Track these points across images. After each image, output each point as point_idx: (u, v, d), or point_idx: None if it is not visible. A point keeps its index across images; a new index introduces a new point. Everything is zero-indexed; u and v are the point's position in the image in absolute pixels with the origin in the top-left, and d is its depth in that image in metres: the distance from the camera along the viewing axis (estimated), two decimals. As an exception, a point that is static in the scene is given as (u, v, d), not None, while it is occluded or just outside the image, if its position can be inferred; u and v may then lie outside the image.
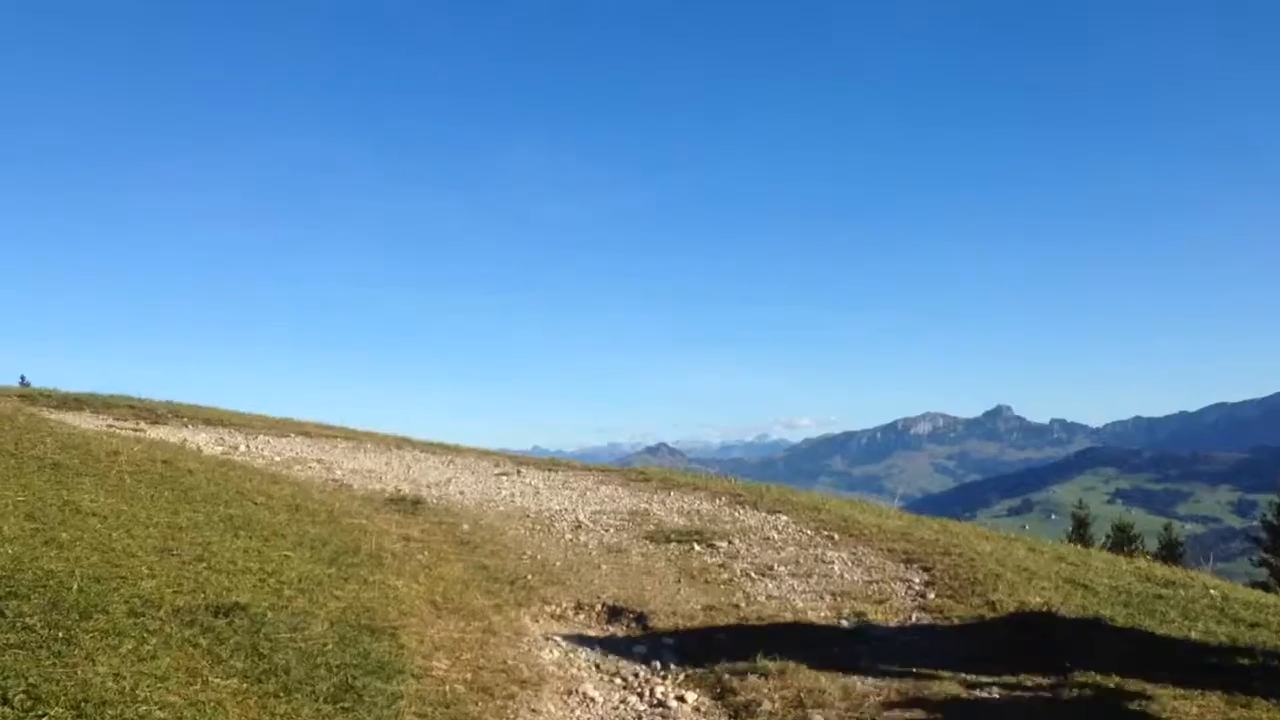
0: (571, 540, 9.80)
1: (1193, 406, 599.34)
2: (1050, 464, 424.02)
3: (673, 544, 9.77)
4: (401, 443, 16.82)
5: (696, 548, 9.60)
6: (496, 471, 14.09)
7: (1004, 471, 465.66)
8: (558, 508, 11.52)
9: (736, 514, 11.32)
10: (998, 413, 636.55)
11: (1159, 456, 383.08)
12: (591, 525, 10.52)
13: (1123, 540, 39.67)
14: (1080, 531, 38.38)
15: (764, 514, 11.31)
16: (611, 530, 10.34)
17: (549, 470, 14.33)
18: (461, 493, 12.29)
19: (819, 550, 9.50)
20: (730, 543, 9.81)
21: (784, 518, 11.04)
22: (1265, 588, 32.64)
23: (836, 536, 10.02)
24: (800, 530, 10.36)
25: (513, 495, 12.30)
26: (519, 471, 14.11)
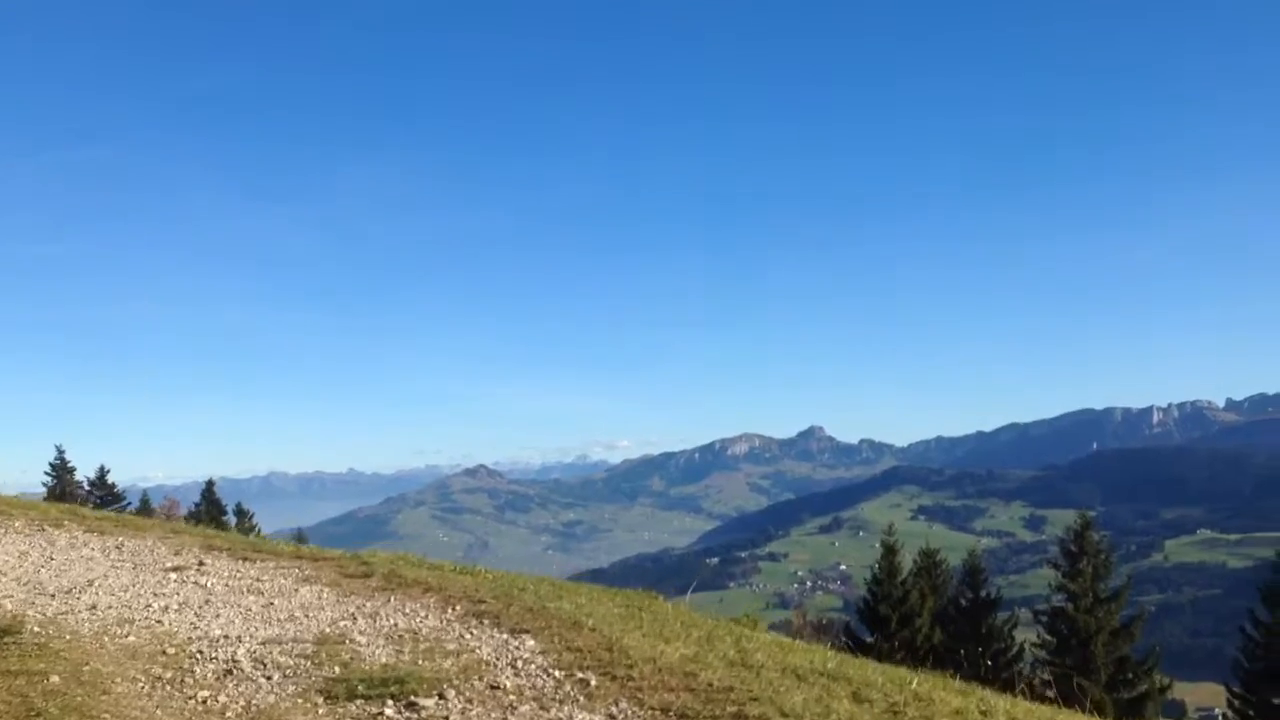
0: (206, 703, 6.64)
1: (988, 426, 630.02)
2: (859, 483, 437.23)
3: (357, 703, 6.72)
4: (67, 518, 13.11)
5: (389, 710, 6.59)
6: (170, 565, 10.66)
7: (816, 490, 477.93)
8: (219, 633, 8.27)
9: (468, 637, 8.32)
10: (811, 433, 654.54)
11: (958, 475, 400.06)
12: (251, 670, 7.34)
13: (929, 565, 38.79)
14: (889, 559, 37.31)
15: (505, 635, 8.35)
16: (277, 678, 7.19)
17: (242, 561, 10.98)
18: (94, 607, 8.88)
19: (565, 711, 6.63)
20: (442, 698, 6.80)
21: (530, 642, 8.11)
22: (1065, 615, 32.05)
23: (594, 681, 7.15)
24: (548, 669, 7.45)
25: (167, 609, 8.97)
26: (200, 565, 10.72)
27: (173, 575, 10.18)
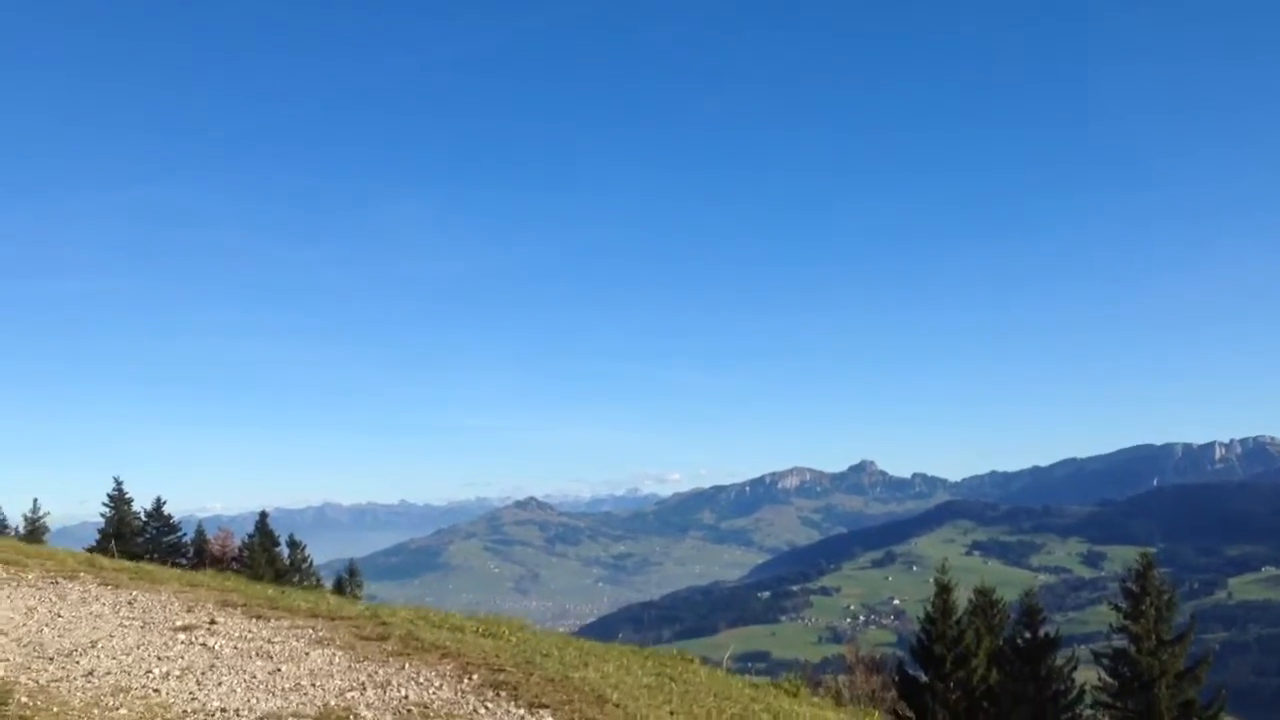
0: (190, 791, 6.12)
1: (1044, 461, 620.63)
2: (912, 517, 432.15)
3: (352, 796, 6.18)
4: (84, 569, 12.67)
5: (385, 806, 6.03)
6: (180, 624, 10.17)
7: (868, 525, 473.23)
8: (216, 705, 7.73)
9: (481, 713, 7.70)
10: (862, 467, 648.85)
11: (1013, 510, 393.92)
12: (246, 750, 6.83)
13: (985, 604, 37.76)
14: (944, 597, 36.39)
15: (523, 711, 7.74)
16: (271, 760, 6.67)
17: (255, 619, 10.46)
18: (91, 672, 8.39)
19: (579, 808, 6.04)
20: (446, 790, 6.26)
21: (548, 720, 7.53)
22: (1127, 657, 30.87)
23: (613, 776, 6.56)
24: (564, 753, 6.87)
25: (168, 676, 8.46)
26: (211, 624, 10.22)
27: (181, 636, 9.68)
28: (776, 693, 10.69)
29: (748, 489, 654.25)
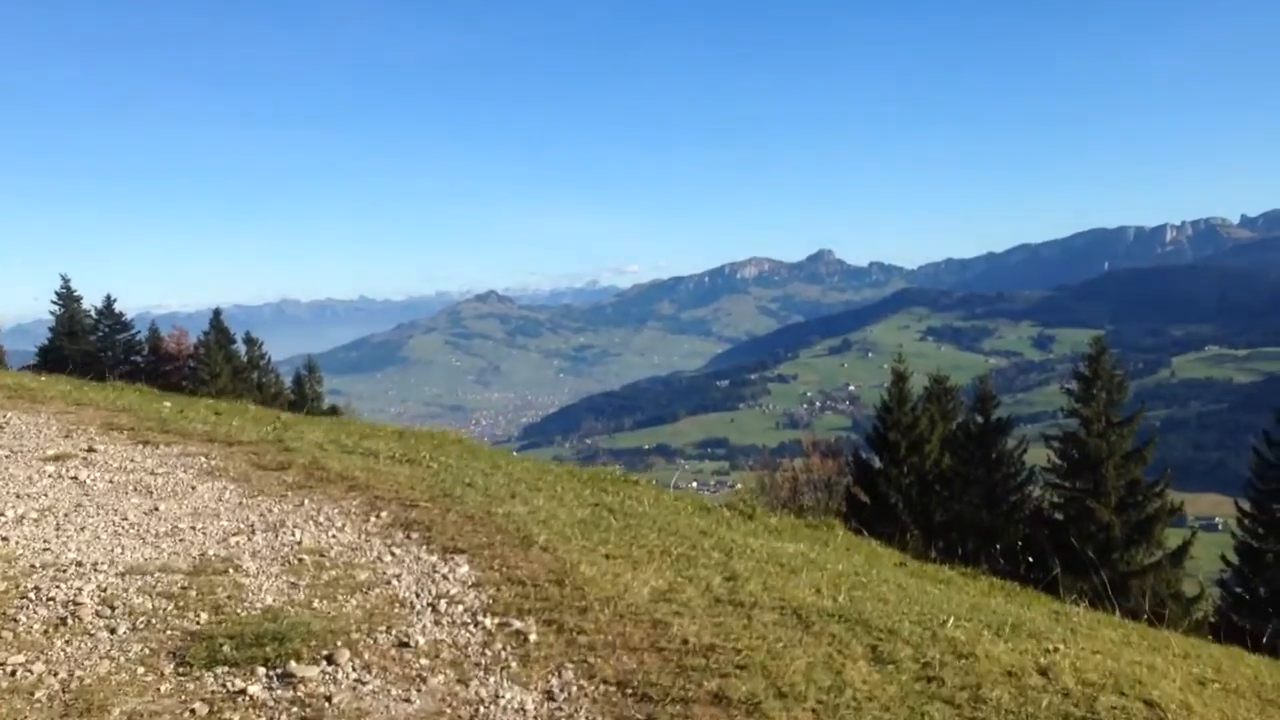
0: (16, 675, 4.97)
1: (999, 248, 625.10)
2: (868, 305, 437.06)
3: (217, 672, 5.05)
4: None
5: (254, 688, 4.93)
6: (52, 453, 8.91)
7: (825, 313, 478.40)
8: (72, 557, 6.54)
9: (387, 559, 6.60)
10: (820, 257, 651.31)
11: (967, 296, 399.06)
12: (93, 618, 5.62)
13: (939, 391, 38.04)
14: (899, 386, 36.60)
15: (435, 558, 6.63)
16: (123, 630, 5.49)
17: (142, 445, 9.18)
18: None
19: (490, 685, 4.96)
20: (330, 663, 5.14)
21: (463, 569, 6.39)
22: (1076, 440, 31.16)
23: (534, 636, 5.45)
24: (478, 614, 5.74)
25: (23, 519, 7.23)
26: (89, 452, 8.95)
27: (49, 468, 8.43)
28: (731, 516, 9.73)
29: (706, 279, 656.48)
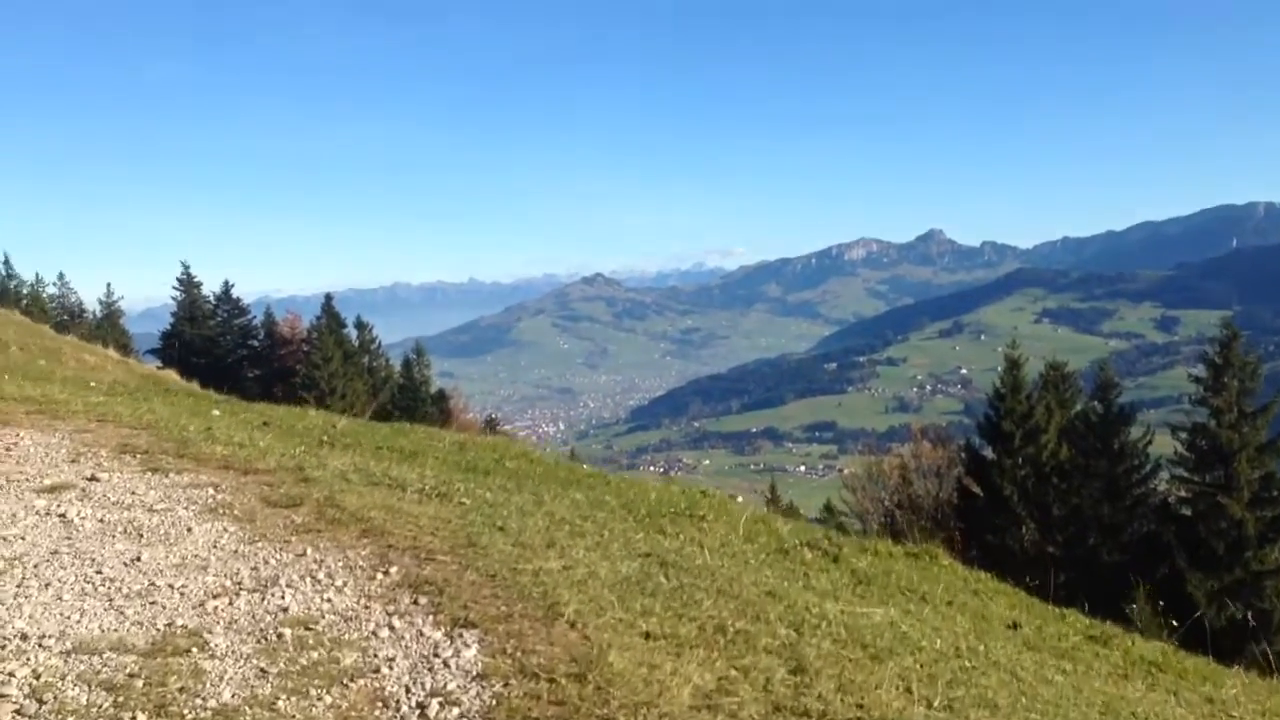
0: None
1: (1119, 226, 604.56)
2: (981, 286, 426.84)
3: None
4: None
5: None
6: (49, 482, 8.00)
7: (936, 295, 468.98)
8: (20, 627, 5.54)
9: (383, 635, 5.36)
10: (930, 237, 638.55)
11: (1085, 276, 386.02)
12: (19, 715, 4.68)
13: (1056, 378, 36.12)
14: (1013, 373, 34.79)
15: (440, 635, 5.41)
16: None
17: (149, 473, 8.22)
18: None
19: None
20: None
21: (470, 652, 5.08)
22: (1206, 431, 28.93)
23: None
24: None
25: (-15, 571, 6.33)
26: (91, 481, 8.03)
27: (40, 501, 7.51)
28: (813, 559, 8.37)
29: (814, 261, 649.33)
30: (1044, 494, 31.59)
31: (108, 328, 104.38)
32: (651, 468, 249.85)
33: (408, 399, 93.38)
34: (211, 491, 7.74)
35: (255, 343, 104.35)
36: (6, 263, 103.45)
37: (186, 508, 7.42)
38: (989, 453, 33.48)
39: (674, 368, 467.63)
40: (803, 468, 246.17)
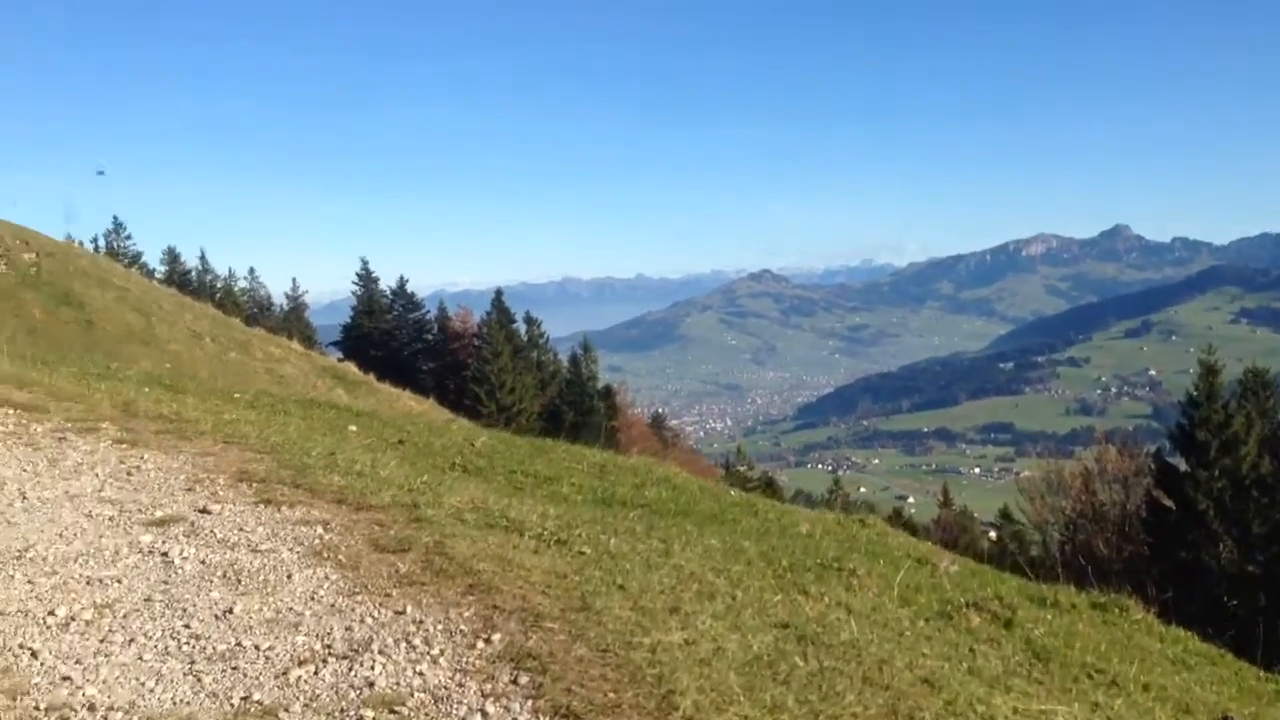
0: None
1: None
2: (1171, 284, 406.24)
3: None
4: (111, 420, 10.23)
5: None
6: (161, 514, 7.62)
7: (1122, 292, 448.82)
8: (91, 695, 5.03)
9: (471, 727, 4.78)
10: (1115, 232, 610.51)
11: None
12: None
13: (1257, 385, 33.78)
14: (1209, 380, 32.57)
15: (537, 727, 4.78)
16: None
17: (261, 505, 7.74)
18: None
19: None
20: None
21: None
22: None
23: None
24: None
25: (71, 621, 5.85)
26: (202, 513, 7.62)
27: (146, 537, 7.14)
28: (981, 625, 7.23)
29: (988, 257, 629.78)
30: (1243, 509, 29.57)
31: (293, 320, 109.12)
32: (819, 466, 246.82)
33: (575, 394, 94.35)
34: (320, 531, 7.24)
35: (429, 336, 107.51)
36: (203, 258, 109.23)
37: (291, 549, 6.93)
38: (1181, 463, 31.73)
39: (842, 365, 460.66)
40: (977, 470, 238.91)
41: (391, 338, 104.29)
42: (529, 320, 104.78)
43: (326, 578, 6.47)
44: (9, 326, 61.58)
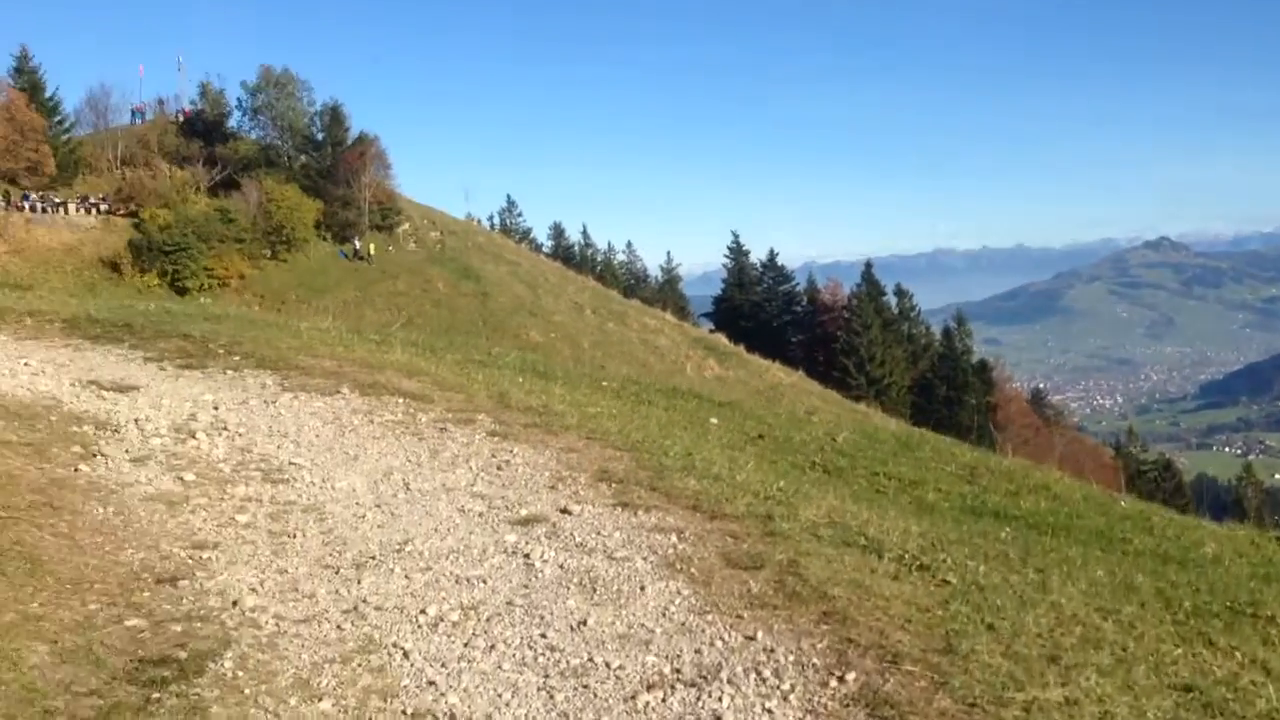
0: None
1: None
2: None
3: None
4: (484, 412, 10.62)
5: None
6: (525, 513, 7.69)
7: None
8: (452, 705, 5.16)
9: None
10: None
11: None
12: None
13: None
14: None
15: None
16: None
17: (619, 509, 7.69)
18: (354, 609, 6.22)
19: None
20: None
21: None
22: None
23: None
24: None
25: (439, 620, 6.04)
26: (563, 514, 7.68)
27: (511, 537, 7.32)
28: None
29: None
30: None
31: (668, 292, 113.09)
32: (1226, 449, 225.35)
33: (948, 368, 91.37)
34: (674, 540, 7.14)
35: (798, 308, 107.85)
36: (584, 232, 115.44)
37: (645, 558, 6.88)
38: None
39: (1254, 341, 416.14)
40: None
41: (761, 309, 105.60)
42: (899, 292, 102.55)
43: (678, 592, 6.35)
44: (411, 304, 67.87)
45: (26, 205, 62.76)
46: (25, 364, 11.45)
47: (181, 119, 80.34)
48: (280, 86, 73.13)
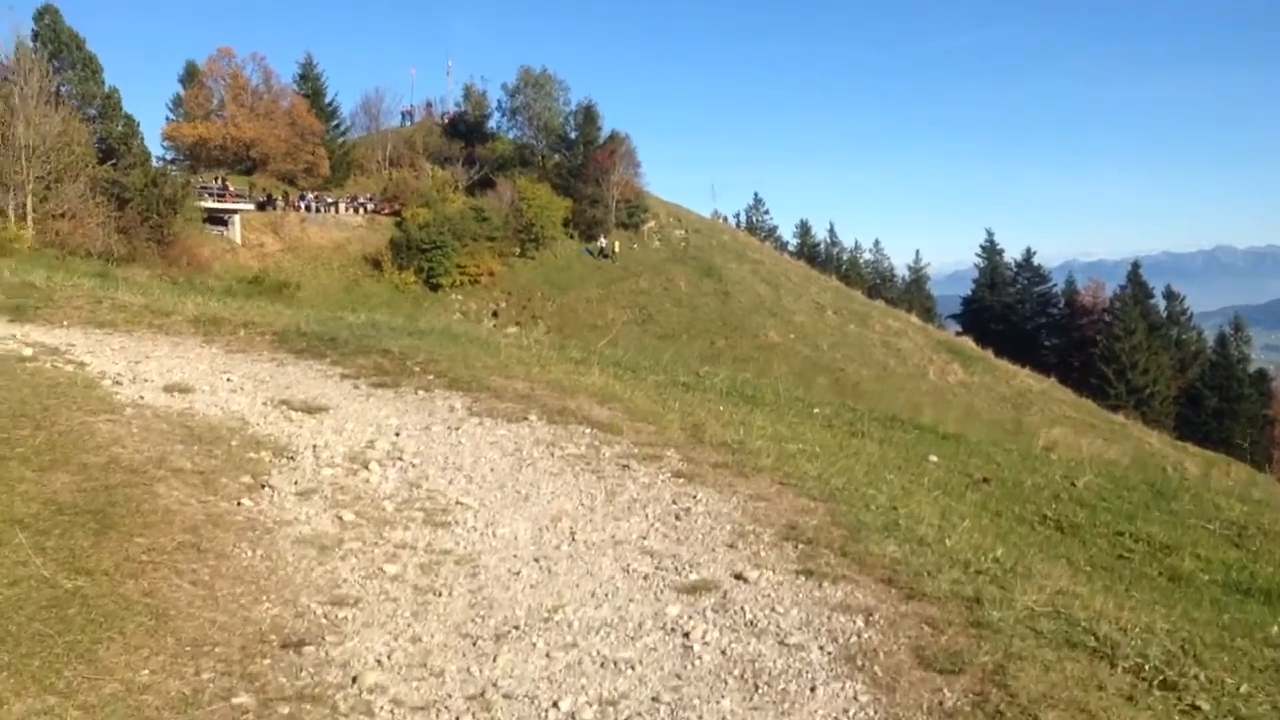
0: None
1: None
2: None
3: None
4: (671, 447, 9.72)
5: None
6: (697, 576, 6.70)
7: None
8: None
9: None
10: None
11: None
12: None
13: None
14: None
15: None
16: None
17: (797, 578, 6.63)
18: (480, 694, 5.52)
19: None
20: None
21: None
22: None
23: None
24: None
25: (572, 718, 5.27)
26: (737, 580, 6.62)
27: (673, 609, 6.40)
28: None
29: None
30: None
31: (914, 292, 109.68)
32: None
33: (1220, 377, 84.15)
34: (860, 624, 6.04)
35: (1055, 310, 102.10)
36: (831, 230, 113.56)
37: (823, 647, 5.82)
38: None
39: None
40: None
41: (1013, 311, 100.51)
42: (1169, 294, 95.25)
43: (855, 698, 5.28)
44: (652, 302, 67.97)
45: (303, 205, 67.08)
46: (228, 379, 11.44)
47: (446, 120, 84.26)
48: (538, 87, 75.47)
